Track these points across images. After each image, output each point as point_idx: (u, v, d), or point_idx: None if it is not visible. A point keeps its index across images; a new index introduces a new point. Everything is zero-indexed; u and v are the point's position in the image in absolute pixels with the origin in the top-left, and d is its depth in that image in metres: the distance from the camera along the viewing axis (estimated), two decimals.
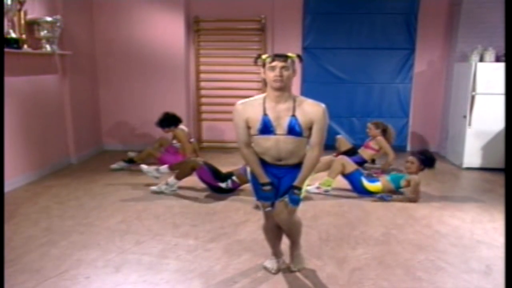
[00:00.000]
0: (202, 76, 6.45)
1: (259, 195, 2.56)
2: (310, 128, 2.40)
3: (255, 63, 2.48)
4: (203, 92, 6.50)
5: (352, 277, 2.70)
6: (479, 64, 5.28)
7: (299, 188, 2.45)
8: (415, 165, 4.25)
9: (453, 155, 5.86)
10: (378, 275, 2.73)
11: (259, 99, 2.43)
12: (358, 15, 6.12)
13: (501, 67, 5.15)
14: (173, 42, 6.05)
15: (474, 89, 5.29)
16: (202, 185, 4.60)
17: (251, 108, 2.41)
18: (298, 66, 2.50)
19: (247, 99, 2.48)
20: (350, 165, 4.30)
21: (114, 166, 5.21)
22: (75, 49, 5.36)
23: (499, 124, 5.25)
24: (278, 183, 2.53)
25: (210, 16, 6.20)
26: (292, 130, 2.36)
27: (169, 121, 5.08)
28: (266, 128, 2.37)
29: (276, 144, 2.40)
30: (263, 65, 2.37)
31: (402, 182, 4.26)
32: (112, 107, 6.27)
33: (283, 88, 2.33)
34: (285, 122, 2.36)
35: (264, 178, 2.48)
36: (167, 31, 6.03)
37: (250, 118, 2.41)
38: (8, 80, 4.12)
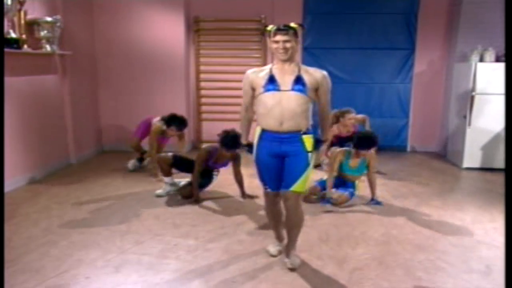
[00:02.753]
0: (202, 76, 6.45)
1: (263, 179, 2.73)
2: (314, 90, 2.58)
3: (262, 35, 2.72)
4: (203, 92, 6.50)
5: (352, 277, 2.70)
6: (479, 64, 5.28)
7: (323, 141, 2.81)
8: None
9: (453, 155, 5.86)
10: (378, 275, 2.73)
11: (267, 67, 2.66)
12: (358, 15, 6.12)
13: (501, 67, 5.15)
14: (173, 42, 6.05)
15: (474, 89, 5.30)
16: None
17: (260, 72, 2.63)
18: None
19: (253, 69, 2.73)
20: (344, 199, 4.06)
21: (129, 167, 5.20)
22: (75, 49, 5.36)
23: (499, 124, 5.25)
24: (282, 166, 2.64)
25: (210, 16, 6.20)
26: (297, 86, 2.52)
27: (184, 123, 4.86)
28: (271, 84, 2.54)
29: (280, 102, 2.51)
30: (269, 36, 2.53)
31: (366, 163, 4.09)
32: (112, 107, 6.26)
33: (288, 59, 2.53)
34: (290, 79, 2.53)
35: (245, 139, 2.82)
36: (167, 31, 6.03)
37: (257, 80, 2.59)
38: (8, 80, 4.12)
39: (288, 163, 2.62)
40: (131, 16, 6.00)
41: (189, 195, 4.12)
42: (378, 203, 4.09)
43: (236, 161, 4.14)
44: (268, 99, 2.54)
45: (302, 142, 2.59)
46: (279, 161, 2.64)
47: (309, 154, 2.61)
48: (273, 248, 2.98)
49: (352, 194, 4.10)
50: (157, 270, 2.76)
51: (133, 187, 4.53)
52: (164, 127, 4.75)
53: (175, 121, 4.69)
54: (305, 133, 2.60)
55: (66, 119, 5.38)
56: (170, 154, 4.30)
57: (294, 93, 2.51)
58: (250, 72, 2.68)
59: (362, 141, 3.95)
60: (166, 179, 4.26)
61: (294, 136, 2.58)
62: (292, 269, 2.75)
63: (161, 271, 2.75)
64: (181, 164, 4.29)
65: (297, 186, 2.61)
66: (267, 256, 2.95)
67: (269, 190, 2.74)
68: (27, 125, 4.60)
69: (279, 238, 3.00)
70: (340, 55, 6.22)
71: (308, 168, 2.62)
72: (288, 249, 2.85)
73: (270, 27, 2.54)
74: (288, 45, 2.47)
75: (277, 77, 2.54)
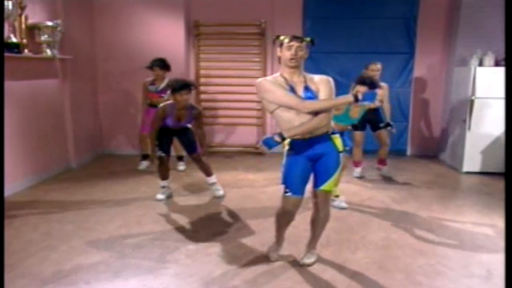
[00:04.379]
0: (202, 80, 6.46)
1: (288, 183, 2.66)
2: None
3: (273, 43, 2.74)
4: (203, 96, 6.51)
5: (352, 281, 2.70)
6: (479, 69, 5.29)
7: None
8: None
9: (452, 159, 5.86)
10: (378, 279, 2.73)
11: (278, 75, 2.62)
12: (357, 20, 6.14)
13: (500, 71, 5.15)
14: (173, 46, 6.06)
15: (473, 93, 5.30)
16: (202, 190, 4.61)
17: (275, 80, 2.59)
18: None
19: (266, 77, 2.69)
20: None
21: (141, 167, 5.42)
22: (75, 54, 5.37)
23: (499, 128, 5.25)
24: (313, 168, 2.67)
25: (210, 20, 6.22)
26: (307, 94, 2.54)
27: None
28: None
29: (298, 113, 2.51)
30: (280, 45, 2.57)
31: None
32: (112, 111, 6.27)
33: (296, 66, 2.56)
34: (300, 90, 2.56)
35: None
36: (167, 35, 6.04)
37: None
38: (8, 84, 4.13)
39: (320, 163, 2.66)
40: (132, 20, 6.02)
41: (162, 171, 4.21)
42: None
43: (198, 116, 4.14)
44: (286, 113, 2.53)
45: (332, 141, 2.64)
46: (311, 165, 2.67)
47: (340, 154, 2.68)
48: (272, 253, 2.98)
49: (348, 151, 3.96)
50: (157, 275, 2.75)
51: (133, 191, 4.53)
52: (149, 80, 5.22)
53: (155, 62, 5.12)
54: (332, 133, 2.66)
55: (67, 123, 5.38)
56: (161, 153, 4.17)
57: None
58: (265, 79, 2.60)
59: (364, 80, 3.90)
60: (162, 182, 4.25)
61: (323, 136, 2.61)
62: (303, 265, 2.86)
63: (161, 276, 2.74)
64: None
65: (327, 186, 2.68)
66: (268, 261, 2.95)
67: (290, 194, 2.66)
68: (28, 129, 4.60)
69: (279, 242, 3.00)
70: (340, 59, 6.22)
71: (339, 168, 2.69)
72: (308, 246, 2.94)
73: (283, 37, 2.56)
74: (300, 53, 2.53)
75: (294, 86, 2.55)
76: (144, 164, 5.42)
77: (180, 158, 5.40)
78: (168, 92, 5.07)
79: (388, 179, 5.10)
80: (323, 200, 2.75)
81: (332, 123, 2.69)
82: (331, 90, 2.58)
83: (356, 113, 3.94)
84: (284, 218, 2.80)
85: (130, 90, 6.18)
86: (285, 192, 2.67)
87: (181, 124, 4.13)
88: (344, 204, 4.08)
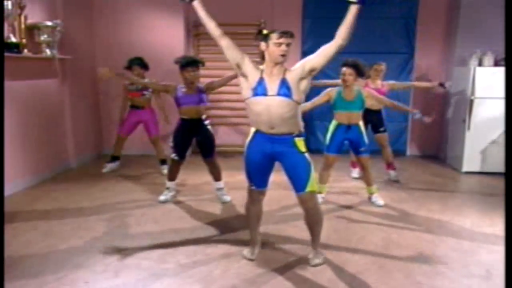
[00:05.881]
0: (201, 80, 6.43)
1: (249, 176, 2.80)
2: (299, 82, 2.56)
3: (256, 38, 2.65)
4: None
5: (352, 281, 2.70)
6: (478, 69, 5.30)
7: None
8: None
9: (452, 159, 5.86)
10: (378, 279, 2.73)
11: (261, 67, 2.63)
12: (357, 20, 6.11)
13: (499, 71, 5.17)
14: (173, 47, 6.06)
15: (473, 93, 5.31)
16: (201, 190, 4.60)
17: (256, 68, 2.61)
18: None
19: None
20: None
21: (105, 170, 5.31)
22: (75, 54, 5.37)
23: (498, 128, 5.26)
24: (270, 167, 2.77)
25: None
26: (282, 90, 2.53)
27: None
28: (260, 87, 2.55)
29: (267, 108, 2.55)
30: (265, 39, 2.55)
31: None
32: (112, 111, 6.26)
33: (283, 62, 2.56)
34: (276, 84, 2.54)
35: None
36: (167, 35, 6.04)
37: (251, 73, 2.59)
38: (8, 84, 4.13)
39: (289, 166, 2.68)
40: (131, 20, 6.02)
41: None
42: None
43: (208, 87, 4.13)
44: (256, 106, 2.58)
45: (294, 144, 2.64)
46: (269, 162, 2.74)
47: (305, 154, 2.68)
48: (247, 253, 3.00)
49: (367, 150, 4.07)
50: (157, 275, 2.75)
51: (133, 192, 4.53)
52: (127, 82, 5.08)
53: (134, 61, 5.02)
54: (297, 136, 2.66)
55: (66, 123, 5.38)
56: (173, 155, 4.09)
57: (280, 98, 2.53)
58: (250, 60, 2.65)
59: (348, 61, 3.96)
60: (169, 183, 4.23)
61: (286, 138, 2.63)
62: (314, 265, 2.86)
63: (161, 276, 2.74)
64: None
65: (310, 186, 2.68)
66: (267, 261, 2.95)
67: (254, 187, 2.82)
68: (27, 129, 4.60)
69: (254, 241, 3.01)
70: (340, 59, 6.18)
71: (311, 166, 2.69)
72: (312, 246, 2.93)
73: (267, 31, 2.56)
74: (288, 48, 2.53)
75: (266, 80, 2.56)
76: (109, 166, 5.31)
77: (163, 162, 5.21)
78: (150, 90, 5.10)
79: (387, 180, 5.10)
80: (313, 203, 2.74)
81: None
82: (308, 56, 2.63)
83: (348, 95, 3.93)
84: (252, 210, 2.91)
85: None
86: (250, 186, 2.82)
87: (194, 97, 3.99)
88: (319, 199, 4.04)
